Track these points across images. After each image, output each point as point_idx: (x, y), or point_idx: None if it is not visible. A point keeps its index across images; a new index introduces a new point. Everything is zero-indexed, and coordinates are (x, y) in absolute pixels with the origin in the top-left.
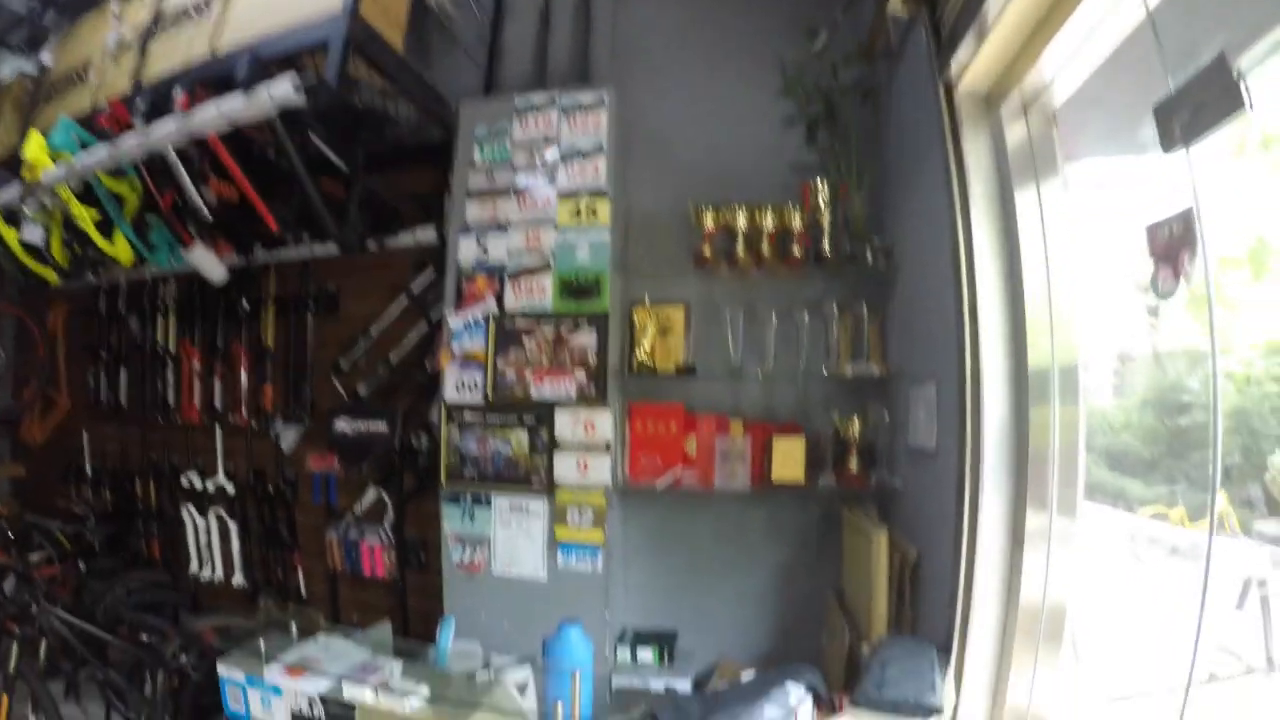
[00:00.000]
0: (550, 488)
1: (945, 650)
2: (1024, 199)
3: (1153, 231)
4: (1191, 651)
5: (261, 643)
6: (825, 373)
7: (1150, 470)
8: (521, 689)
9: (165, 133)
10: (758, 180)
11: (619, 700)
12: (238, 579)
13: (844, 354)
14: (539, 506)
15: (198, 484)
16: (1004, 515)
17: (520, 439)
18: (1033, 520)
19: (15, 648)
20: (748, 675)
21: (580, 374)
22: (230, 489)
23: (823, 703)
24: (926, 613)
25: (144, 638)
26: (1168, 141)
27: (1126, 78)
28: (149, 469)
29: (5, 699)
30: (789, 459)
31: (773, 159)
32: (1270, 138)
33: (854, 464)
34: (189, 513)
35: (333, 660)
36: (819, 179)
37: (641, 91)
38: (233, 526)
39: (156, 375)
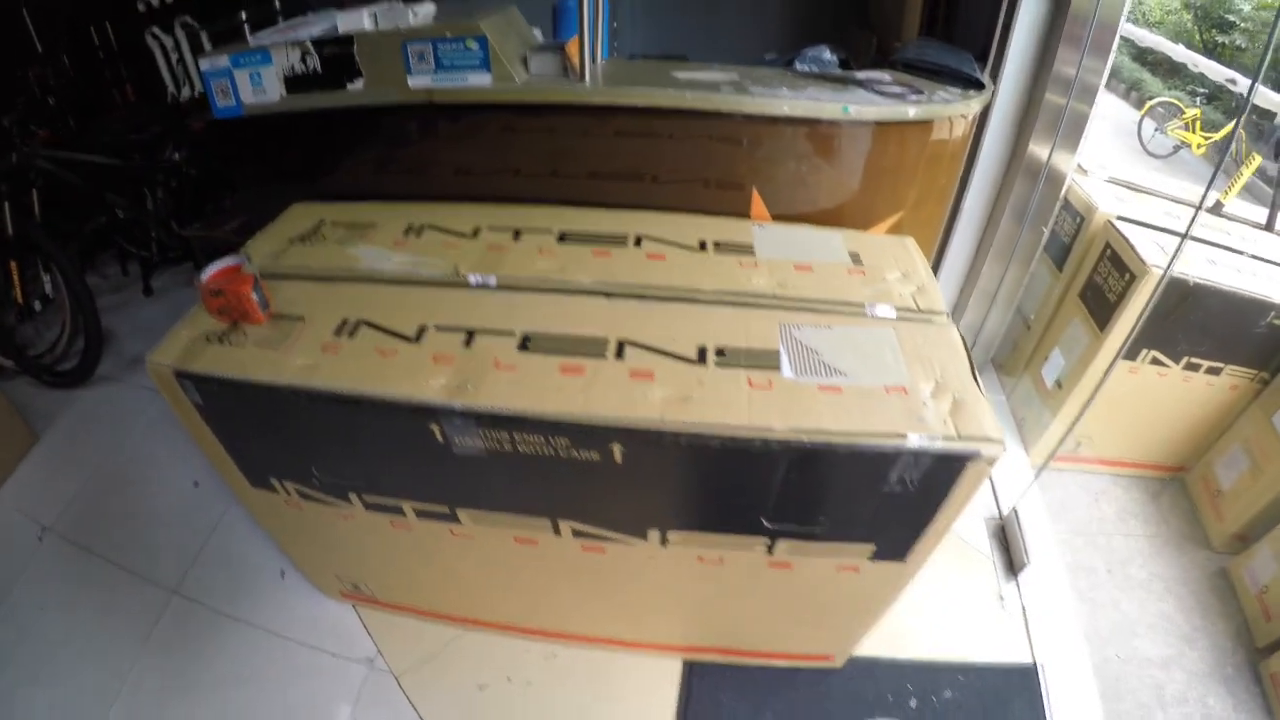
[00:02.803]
0: None
1: (981, 59)
2: None
3: None
4: None
5: (242, 15)
6: None
7: (1172, 74)
8: None
9: None
10: None
11: None
12: None
13: None
14: None
15: (155, 1)
16: None
17: None
18: None
19: (6, 206)
20: (769, 57)
21: None
22: None
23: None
24: (960, 31)
25: (136, 158)
26: None
27: None
28: (100, 12)
29: (14, 265)
30: None
31: None
32: None
33: None
34: (153, 36)
35: (322, 17)
36: None
37: None
38: (203, 33)
39: None
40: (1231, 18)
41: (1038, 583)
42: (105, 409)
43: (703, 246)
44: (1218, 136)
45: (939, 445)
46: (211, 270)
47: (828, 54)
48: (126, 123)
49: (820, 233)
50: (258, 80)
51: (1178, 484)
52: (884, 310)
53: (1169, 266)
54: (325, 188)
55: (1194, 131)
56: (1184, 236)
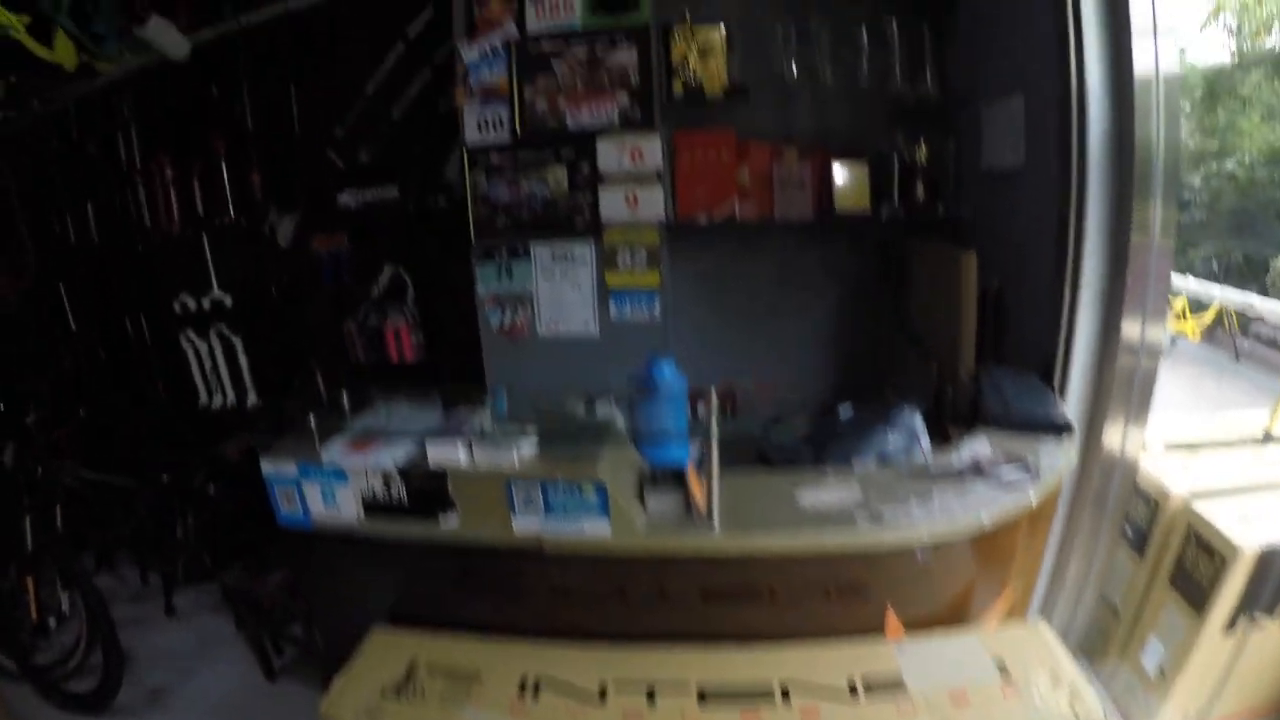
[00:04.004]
0: (596, 228)
1: (1045, 379)
2: None
3: None
4: None
5: (312, 420)
6: (888, 94)
7: None
8: None
9: None
10: None
11: None
12: (252, 399)
13: (901, 75)
14: (585, 252)
15: (192, 305)
16: (1106, 234)
17: (558, 177)
18: (1136, 239)
19: (28, 521)
20: (845, 411)
21: (622, 96)
22: (228, 302)
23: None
24: (1011, 345)
25: (164, 478)
26: None
27: None
28: (137, 303)
29: (30, 581)
30: (852, 186)
31: None
32: None
33: (921, 191)
34: (188, 340)
35: (403, 425)
36: None
37: None
38: (238, 343)
39: (128, 200)
40: (1187, 195)
41: None
42: None
43: (853, 690)
44: (1209, 318)
45: None
46: None
47: (918, 420)
48: (155, 440)
49: (959, 643)
50: (330, 498)
51: None
52: None
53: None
54: (405, 606)
55: (1186, 319)
56: None
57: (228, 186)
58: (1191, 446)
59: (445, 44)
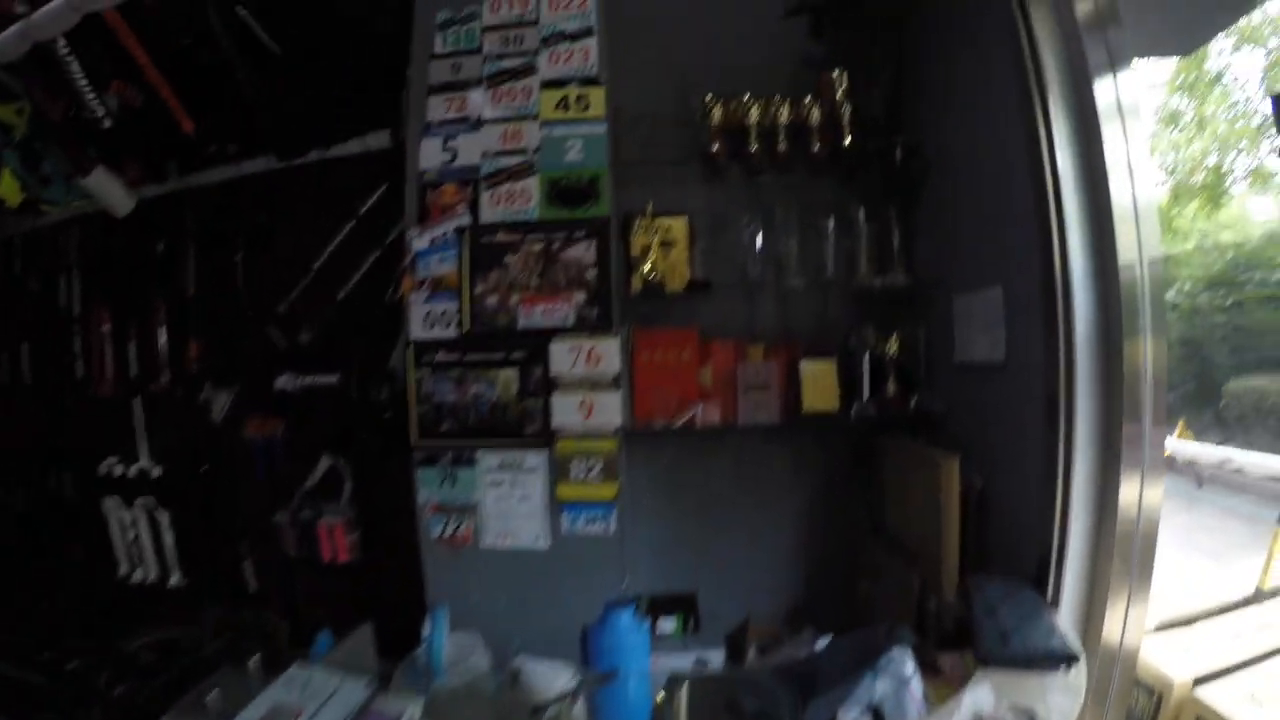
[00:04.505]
0: (549, 437)
1: (1038, 587)
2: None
3: None
4: None
5: (217, 695)
6: (855, 285)
7: None
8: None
9: (53, 10)
10: (758, 75)
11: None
12: (175, 579)
13: (868, 265)
14: (536, 461)
15: (119, 471)
16: (1096, 429)
17: (508, 379)
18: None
19: None
20: (821, 642)
21: (579, 295)
22: (156, 473)
23: (925, 664)
24: (997, 547)
25: (69, 666)
26: None
27: None
28: (60, 459)
29: None
30: (820, 385)
31: (775, 49)
32: None
33: (892, 386)
34: (112, 507)
35: (319, 706)
36: (838, 71)
37: None
38: (163, 518)
39: (62, 345)
40: None
41: None
42: None
43: None
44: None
45: None
46: None
47: (908, 664)
48: (67, 616)
49: None
50: None
51: None
52: None
53: None
54: None
55: None
56: None
57: (164, 351)
58: (1183, 623)
59: (397, 223)
